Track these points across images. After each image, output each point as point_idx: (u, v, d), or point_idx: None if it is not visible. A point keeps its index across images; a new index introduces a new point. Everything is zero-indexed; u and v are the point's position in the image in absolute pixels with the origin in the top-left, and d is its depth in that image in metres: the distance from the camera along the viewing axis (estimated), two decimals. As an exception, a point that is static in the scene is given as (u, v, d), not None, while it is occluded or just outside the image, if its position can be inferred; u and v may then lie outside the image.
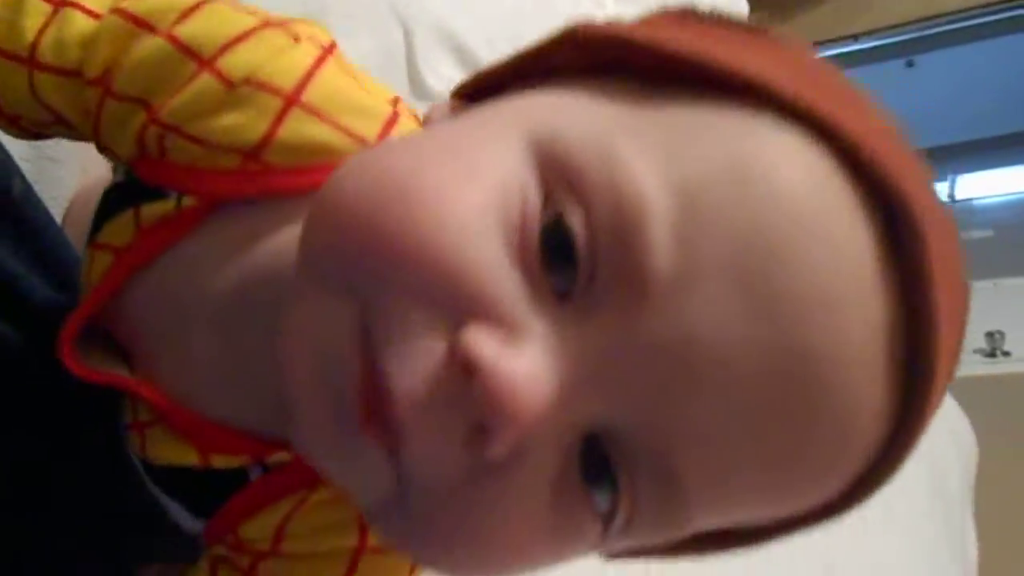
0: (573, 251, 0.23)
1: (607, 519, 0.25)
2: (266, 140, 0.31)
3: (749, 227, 0.23)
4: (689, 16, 0.29)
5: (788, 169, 0.24)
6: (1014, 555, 1.45)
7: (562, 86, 0.27)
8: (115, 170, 0.40)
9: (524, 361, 0.22)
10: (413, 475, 0.23)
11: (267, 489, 0.33)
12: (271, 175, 0.31)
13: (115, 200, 0.35)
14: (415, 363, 0.22)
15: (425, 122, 0.31)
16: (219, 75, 0.31)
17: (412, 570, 0.36)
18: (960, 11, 2.38)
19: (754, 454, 0.24)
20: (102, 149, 0.37)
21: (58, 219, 0.48)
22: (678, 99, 0.25)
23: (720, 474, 0.24)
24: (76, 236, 0.42)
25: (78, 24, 0.34)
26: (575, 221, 0.23)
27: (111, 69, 0.33)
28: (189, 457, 0.33)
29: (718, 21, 0.28)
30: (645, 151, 0.23)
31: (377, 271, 0.23)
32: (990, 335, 2.08)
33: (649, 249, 0.22)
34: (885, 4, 2.33)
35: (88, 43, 0.33)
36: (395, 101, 0.33)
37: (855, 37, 2.44)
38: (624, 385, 0.23)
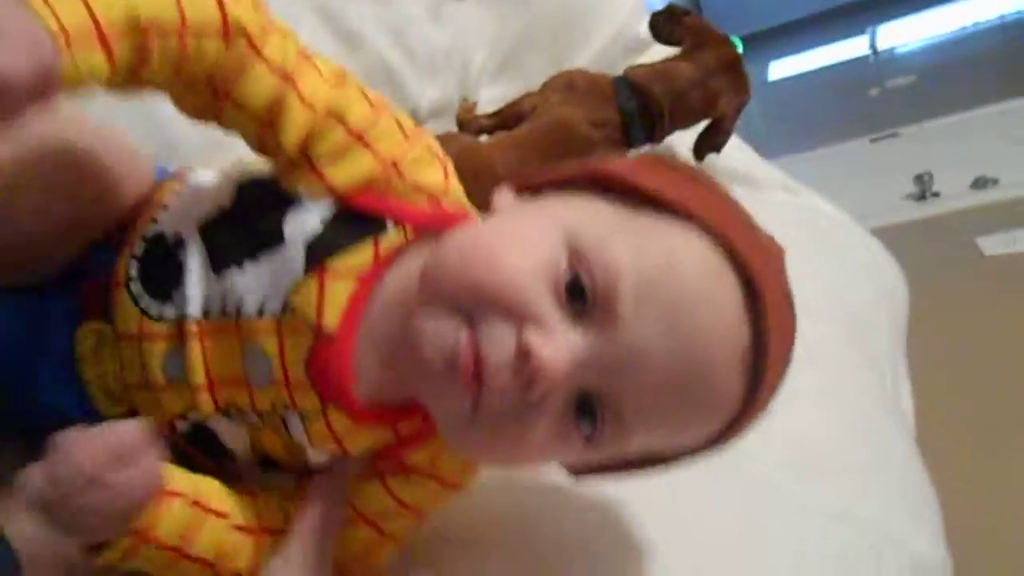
0: (584, 293, 0.42)
1: (587, 438, 0.44)
2: (445, 189, 0.48)
3: (670, 290, 0.42)
4: (653, 161, 0.50)
5: (691, 258, 0.43)
6: (950, 402, 1.46)
7: (580, 194, 0.47)
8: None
9: (556, 350, 0.41)
10: (487, 406, 0.42)
11: (417, 438, 0.50)
12: (447, 214, 0.48)
13: (341, 234, 0.45)
14: (499, 345, 0.41)
15: (493, 208, 0.49)
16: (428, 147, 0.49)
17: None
18: None
19: (666, 405, 0.43)
20: (290, 168, 0.46)
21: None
22: (646, 213, 0.45)
23: (647, 415, 0.44)
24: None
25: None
26: (584, 279, 0.42)
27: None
28: (386, 438, 0.49)
29: (674, 167, 0.49)
30: (623, 243, 0.43)
31: (476, 299, 0.42)
32: (919, 178, 2.07)
33: (619, 299, 0.42)
34: None
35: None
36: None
37: None
38: (602, 366, 0.42)
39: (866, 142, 2.53)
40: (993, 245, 1.86)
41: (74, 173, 0.49)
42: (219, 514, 0.47)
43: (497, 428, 0.43)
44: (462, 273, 0.43)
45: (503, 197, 0.49)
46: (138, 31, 0.41)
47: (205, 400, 0.47)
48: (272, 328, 0.46)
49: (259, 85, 0.44)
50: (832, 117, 2.88)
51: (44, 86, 0.37)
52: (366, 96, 0.47)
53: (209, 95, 0.45)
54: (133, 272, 0.48)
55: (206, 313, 0.47)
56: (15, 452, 0.51)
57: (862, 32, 3.52)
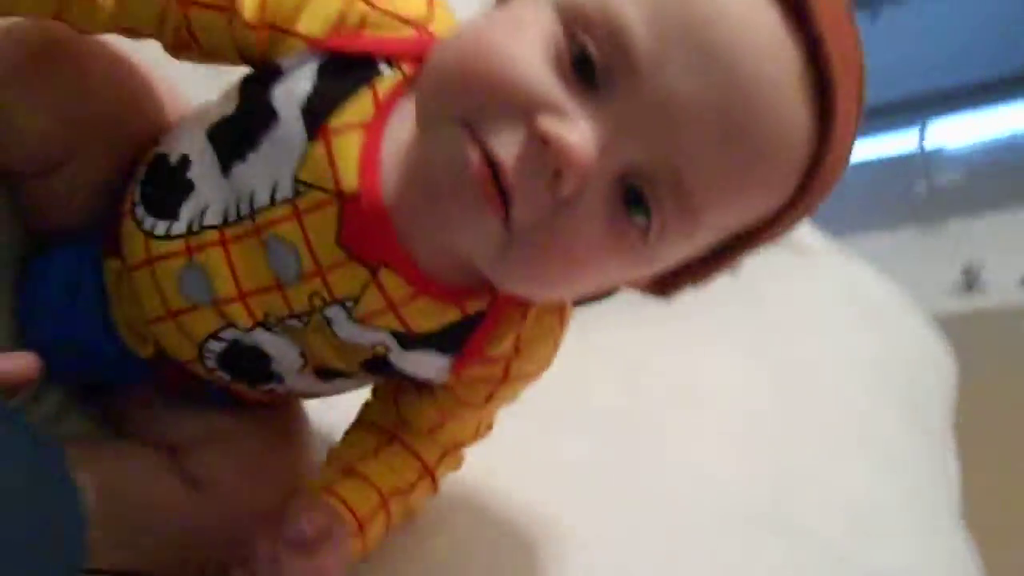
0: (592, 63, 0.37)
1: (644, 232, 0.38)
2: (430, 16, 0.44)
3: (689, 16, 0.36)
4: None
5: None
6: (996, 485, 1.44)
7: None
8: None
9: (576, 131, 0.36)
10: (519, 220, 0.37)
11: (492, 319, 0.46)
12: (435, 39, 0.43)
13: (333, 88, 0.42)
14: (511, 143, 0.36)
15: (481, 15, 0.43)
16: None
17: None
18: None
19: (728, 163, 0.37)
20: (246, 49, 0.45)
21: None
22: None
23: (710, 180, 0.37)
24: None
25: None
26: (590, 46, 0.37)
27: None
28: (454, 316, 0.45)
29: None
30: None
31: (475, 99, 0.37)
32: (966, 271, 2.08)
33: (632, 46, 0.36)
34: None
35: None
36: None
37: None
38: (636, 135, 0.36)
39: (913, 232, 2.54)
40: (1042, 340, 1.85)
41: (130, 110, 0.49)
42: (398, 492, 0.51)
43: (540, 245, 0.38)
44: (450, 72, 0.39)
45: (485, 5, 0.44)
46: None
47: (239, 311, 0.45)
48: (289, 212, 0.43)
49: None
50: (880, 205, 2.90)
51: None
52: None
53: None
54: (136, 197, 0.47)
55: (224, 220, 0.44)
56: (63, 396, 0.54)
57: (912, 127, 3.56)
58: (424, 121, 0.40)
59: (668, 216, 0.38)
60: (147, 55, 0.50)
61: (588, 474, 0.66)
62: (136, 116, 0.50)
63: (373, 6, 0.43)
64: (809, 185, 0.39)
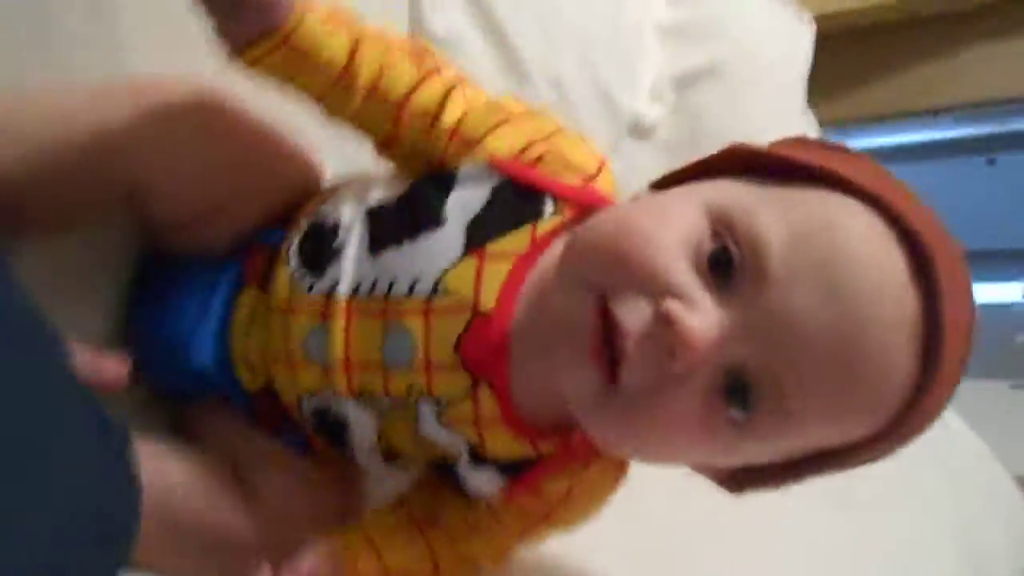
0: (730, 262, 0.40)
1: (738, 426, 0.41)
2: (598, 173, 0.50)
3: (826, 249, 0.39)
4: (802, 141, 0.47)
5: (850, 219, 0.40)
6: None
7: (722, 176, 0.45)
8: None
9: (699, 318, 0.39)
10: (627, 381, 0.40)
11: (557, 463, 0.50)
12: (597, 195, 0.49)
13: (498, 217, 0.48)
14: (637, 315, 0.40)
15: (633, 197, 0.48)
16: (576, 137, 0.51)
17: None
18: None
19: (829, 386, 0.39)
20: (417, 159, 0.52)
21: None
22: (791, 185, 0.42)
23: (809, 397, 0.40)
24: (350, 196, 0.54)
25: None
26: (730, 246, 0.40)
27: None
28: (524, 451, 0.49)
29: (822, 143, 0.46)
30: (771, 208, 0.41)
31: (614, 276, 0.41)
32: (1059, 434, 1.98)
33: (769, 260, 0.39)
34: (967, 81, 2.27)
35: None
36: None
37: (934, 112, 2.37)
38: (753, 337, 0.39)
39: (1007, 387, 2.44)
40: None
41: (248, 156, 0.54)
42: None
43: (639, 406, 0.41)
44: (596, 246, 0.43)
45: (643, 191, 0.49)
46: (354, 27, 0.50)
47: (340, 379, 0.49)
48: (420, 308, 0.47)
49: (434, 88, 0.51)
50: (974, 356, 2.81)
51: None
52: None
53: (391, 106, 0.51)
54: (294, 247, 0.52)
55: (355, 291, 0.49)
56: (163, 411, 0.58)
57: (1018, 279, 3.45)
58: (563, 279, 0.44)
59: (763, 417, 0.40)
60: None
61: None
62: (282, 178, 0.56)
63: (552, 148, 0.49)
64: (899, 426, 0.41)
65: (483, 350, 0.47)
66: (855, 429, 0.42)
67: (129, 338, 0.56)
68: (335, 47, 0.49)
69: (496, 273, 0.47)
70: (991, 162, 3.42)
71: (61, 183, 0.49)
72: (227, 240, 0.56)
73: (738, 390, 0.40)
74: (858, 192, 0.41)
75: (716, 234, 0.41)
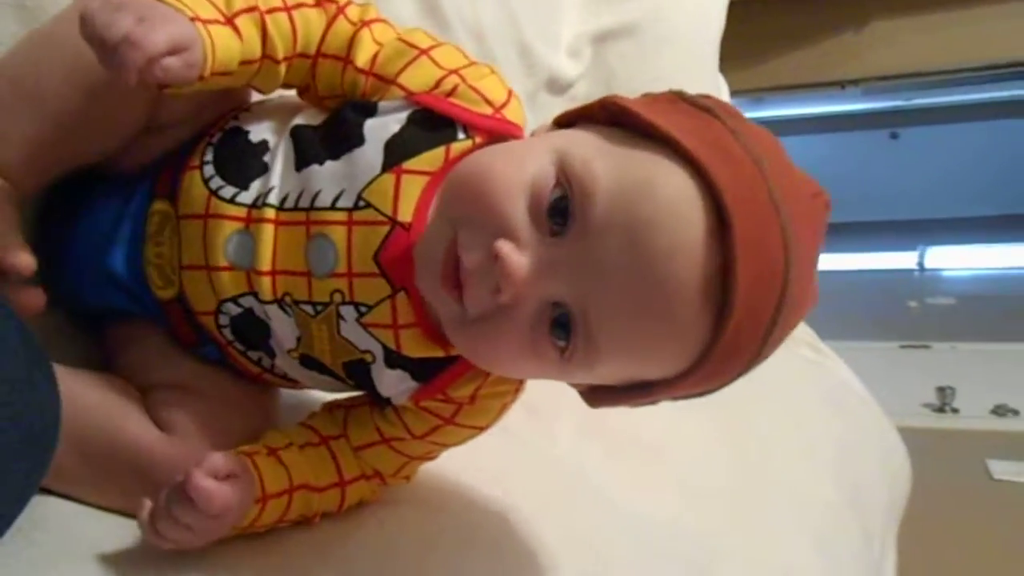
0: (567, 210, 0.46)
1: (561, 351, 0.47)
2: (507, 103, 0.53)
3: (639, 209, 0.44)
4: (670, 98, 0.50)
5: (667, 183, 0.45)
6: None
7: (586, 127, 0.50)
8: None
9: (521, 257, 0.45)
10: (469, 306, 0.47)
11: (464, 366, 0.53)
12: (506, 122, 0.53)
13: (413, 139, 0.52)
14: (476, 252, 0.46)
15: (532, 135, 0.54)
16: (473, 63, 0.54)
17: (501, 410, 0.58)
18: (946, 72, 2.39)
19: (627, 327, 0.45)
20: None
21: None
22: (637, 143, 0.47)
23: (611, 332, 0.46)
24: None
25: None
26: (567, 194, 0.46)
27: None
28: (436, 352, 0.53)
29: (692, 102, 0.49)
30: (607, 162, 0.46)
31: (465, 211, 0.47)
32: (941, 390, 2.11)
33: (592, 211, 0.45)
34: (875, 55, 2.36)
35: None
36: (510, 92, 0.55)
37: (842, 85, 2.46)
38: (567, 277, 0.45)
39: (896, 347, 2.59)
40: (1003, 470, 1.88)
41: None
42: (307, 487, 0.54)
43: (481, 332, 0.48)
44: (457, 188, 0.49)
45: (541, 129, 0.54)
46: (255, 11, 0.51)
47: (266, 284, 0.52)
48: (343, 219, 0.51)
49: (341, 32, 0.53)
50: (868, 317, 2.95)
51: (188, 57, 0.46)
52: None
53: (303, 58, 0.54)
54: (208, 157, 0.55)
55: (282, 203, 0.52)
56: (64, 318, 0.60)
57: (913, 249, 3.62)
58: (434, 211, 0.51)
59: (579, 347, 0.47)
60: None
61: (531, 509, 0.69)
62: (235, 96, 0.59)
63: (464, 80, 0.53)
64: (701, 367, 0.47)
65: (401, 259, 0.51)
66: (662, 366, 0.48)
67: (40, 256, 0.56)
68: (247, 48, 0.51)
69: (412, 189, 0.51)
70: (894, 136, 3.56)
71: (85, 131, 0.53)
72: (143, 159, 0.58)
73: (562, 324, 0.47)
74: (684, 155, 0.45)
75: (558, 182, 0.46)
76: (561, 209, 0.46)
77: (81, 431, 0.52)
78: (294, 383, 0.60)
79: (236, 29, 0.51)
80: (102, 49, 0.45)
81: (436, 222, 0.50)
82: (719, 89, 1.48)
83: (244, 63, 0.52)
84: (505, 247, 0.45)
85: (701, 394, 0.51)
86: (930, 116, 3.40)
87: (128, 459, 0.53)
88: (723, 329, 0.45)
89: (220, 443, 0.54)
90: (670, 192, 0.44)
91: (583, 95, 1.22)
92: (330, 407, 0.59)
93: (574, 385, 0.54)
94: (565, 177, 0.46)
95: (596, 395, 0.53)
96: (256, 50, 0.52)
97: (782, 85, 2.45)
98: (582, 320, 0.46)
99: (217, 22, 0.50)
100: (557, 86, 1.19)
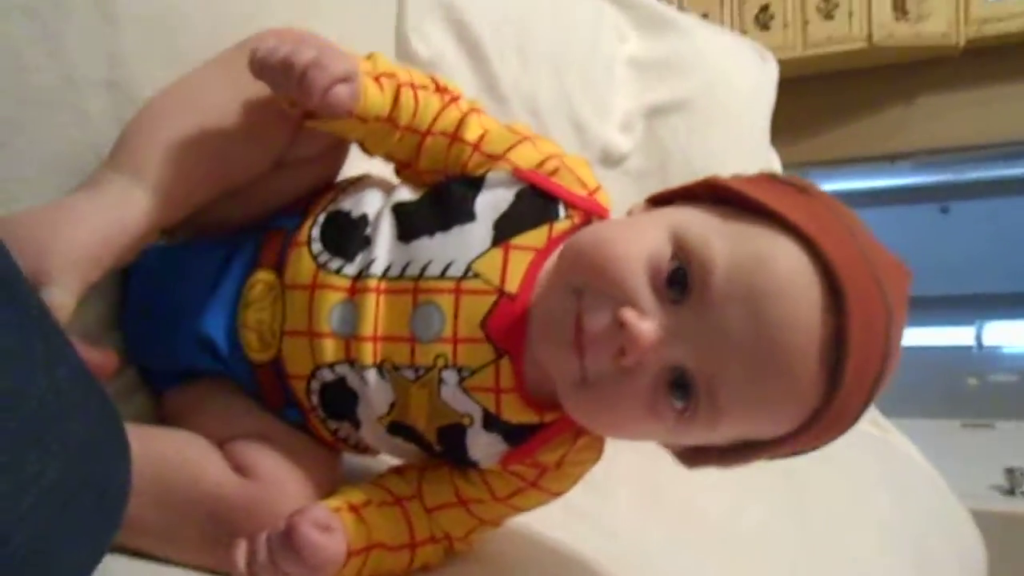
0: (685, 282, 0.49)
1: (679, 413, 0.50)
2: (598, 188, 0.58)
3: (756, 281, 0.48)
4: (767, 177, 0.55)
5: (781, 257, 0.48)
6: None
7: (693, 205, 0.54)
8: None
9: (646, 324, 0.48)
10: (590, 370, 0.50)
11: (555, 431, 0.56)
12: (599, 205, 0.58)
13: (520, 216, 0.56)
14: (600, 319, 0.49)
15: (629, 213, 0.57)
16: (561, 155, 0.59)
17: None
18: (995, 145, 2.37)
19: (749, 391, 0.48)
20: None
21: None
22: (746, 219, 0.51)
23: (734, 394, 0.48)
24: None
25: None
26: (685, 267, 0.49)
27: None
28: (532, 418, 0.55)
29: (788, 181, 0.54)
30: (722, 239, 0.49)
31: (587, 280, 0.50)
32: (1010, 471, 2.03)
33: (711, 285, 0.48)
34: (923, 129, 2.35)
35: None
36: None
37: (891, 159, 2.45)
38: (691, 344, 0.48)
39: (958, 425, 2.50)
40: (1079, 557, 1.78)
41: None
42: (383, 546, 0.55)
43: (600, 395, 0.50)
44: (578, 258, 0.52)
45: (637, 208, 0.58)
46: (394, 78, 0.57)
47: (367, 351, 0.54)
48: (451, 287, 0.54)
49: (452, 115, 0.59)
50: (927, 395, 2.87)
51: (352, 90, 0.54)
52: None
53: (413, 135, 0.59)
54: (315, 234, 0.58)
55: (386, 272, 0.56)
56: (134, 377, 0.61)
57: (971, 324, 3.54)
58: (554, 280, 0.54)
59: (699, 408, 0.49)
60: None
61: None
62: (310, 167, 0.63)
63: (565, 164, 0.58)
64: (812, 427, 0.50)
65: (506, 327, 0.54)
66: (777, 426, 0.51)
67: (124, 317, 0.60)
68: (382, 103, 0.57)
69: (519, 262, 0.55)
70: (945, 210, 3.52)
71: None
72: (240, 222, 0.61)
73: (681, 386, 0.49)
74: (793, 231, 0.49)
75: (675, 255, 0.50)
76: (679, 280, 0.49)
77: (160, 480, 0.53)
78: (364, 451, 0.61)
79: (380, 86, 0.56)
80: (287, 73, 0.52)
81: (556, 289, 0.53)
82: (771, 163, 1.47)
83: (374, 119, 0.56)
84: (630, 314, 0.48)
85: (796, 454, 0.54)
86: (980, 190, 3.37)
87: (208, 505, 0.54)
88: (836, 392, 0.48)
89: (299, 492, 0.55)
90: (785, 264, 0.48)
91: (636, 169, 1.23)
92: (400, 469, 0.60)
93: (668, 447, 0.56)
94: (682, 250, 0.50)
95: (695, 455, 0.55)
96: (385, 110, 0.57)
97: (832, 159, 2.45)
98: (705, 383, 0.49)
99: (367, 74, 0.56)
100: (611, 159, 1.20)
